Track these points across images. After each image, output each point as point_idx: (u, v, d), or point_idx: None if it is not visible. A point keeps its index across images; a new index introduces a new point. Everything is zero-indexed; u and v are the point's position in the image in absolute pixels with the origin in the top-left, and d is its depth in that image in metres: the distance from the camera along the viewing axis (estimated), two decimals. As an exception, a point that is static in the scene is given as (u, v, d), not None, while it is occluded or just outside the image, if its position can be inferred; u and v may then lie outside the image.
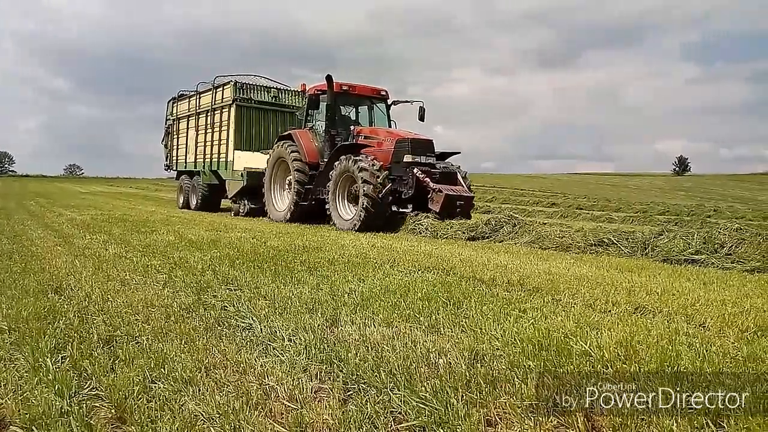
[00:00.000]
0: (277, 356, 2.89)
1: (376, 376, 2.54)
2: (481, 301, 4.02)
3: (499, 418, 2.18)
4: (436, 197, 11.22)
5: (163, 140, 23.38)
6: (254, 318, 3.57)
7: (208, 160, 19.19)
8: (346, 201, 12.15)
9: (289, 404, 2.33)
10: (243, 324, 3.49)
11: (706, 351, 2.86)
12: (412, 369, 2.62)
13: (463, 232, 10.07)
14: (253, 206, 16.27)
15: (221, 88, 18.61)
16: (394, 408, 2.28)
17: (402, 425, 2.17)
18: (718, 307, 4.06)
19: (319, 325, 3.38)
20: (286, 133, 14.55)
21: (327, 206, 12.31)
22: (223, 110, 18.34)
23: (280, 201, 14.43)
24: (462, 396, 2.31)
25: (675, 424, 2.05)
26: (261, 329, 3.34)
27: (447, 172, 12.03)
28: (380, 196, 11.15)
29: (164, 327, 3.38)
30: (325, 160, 12.80)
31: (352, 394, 2.43)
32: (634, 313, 3.88)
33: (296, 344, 3.04)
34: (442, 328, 3.33)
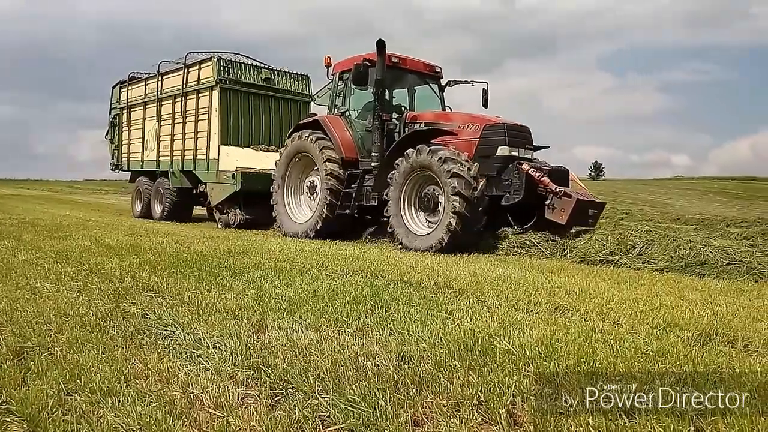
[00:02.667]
0: (202, 364, 2.82)
1: (304, 380, 2.52)
2: (408, 304, 4.07)
3: (426, 418, 2.22)
4: (562, 204, 8.33)
5: (107, 134, 19.63)
6: (177, 325, 3.46)
7: (178, 158, 15.41)
8: (414, 209, 9.13)
9: (214, 412, 2.28)
10: (165, 332, 3.38)
11: (620, 347, 3.02)
12: (340, 372, 2.62)
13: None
14: (248, 216, 13.10)
15: (197, 67, 14.81)
16: (322, 412, 2.27)
17: (330, 429, 2.17)
18: (630, 305, 4.29)
19: (245, 331, 3.32)
20: (308, 119, 11.42)
21: (387, 217, 9.18)
22: (201, 95, 14.63)
23: (297, 210, 11.26)
24: (390, 397, 2.33)
25: (591, 419, 2.14)
26: (184, 336, 3.25)
27: (559, 171, 9.17)
28: (476, 203, 8.23)
29: (80, 337, 3.22)
30: (375, 153, 9.76)
31: (279, 399, 2.41)
32: (554, 312, 4.04)
33: (222, 351, 2.97)
34: (370, 331, 3.34)
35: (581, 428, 2.07)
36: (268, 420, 2.19)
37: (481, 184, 8.28)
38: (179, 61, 15.57)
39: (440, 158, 8.40)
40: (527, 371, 2.63)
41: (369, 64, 9.95)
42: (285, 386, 2.50)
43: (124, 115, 18.21)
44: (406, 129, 9.87)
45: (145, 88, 17.12)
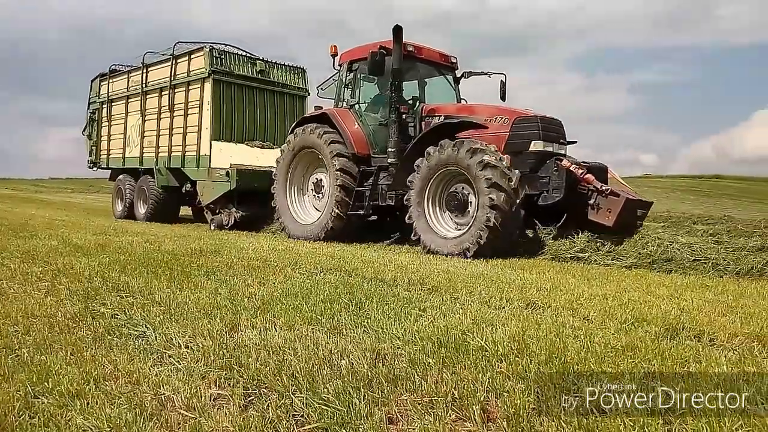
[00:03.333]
0: (173, 364, 2.78)
1: (277, 380, 2.51)
2: (382, 302, 4.08)
3: (401, 415, 2.23)
4: (608, 204, 7.57)
5: (85, 130, 18.55)
6: (148, 325, 3.41)
7: (165, 154, 14.50)
8: (439, 210, 8.38)
9: (186, 413, 2.25)
10: (135, 332, 3.33)
11: (590, 342, 3.07)
12: (314, 371, 2.61)
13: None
14: (244, 213, 12.38)
15: (186, 58, 13.98)
16: (296, 411, 2.26)
17: (304, 428, 2.16)
18: (600, 301, 4.36)
19: (217, 331, 3.28)
20: (314, 113, 10.68)
21: (410, 219, 8.39)
22: (192, 87, 13.78)
23: (302, 210, 10.53)
24: (364, 395, 2.34)
25: (562, 412, 2.18)
26: (155, 337, 3.20)
27: (598, 168, 8.48)
28: (513, 196, 7.54)
29: (47, 338, 3.15)
30: (391, 149, 8.98)
31: (253, 399, 2.39)
32: (525, 308, 4.08)
33: (194, 351, 2.94)
34: (344, 330, 3.34)
35: (553, 423, 2.09)
36: (241, 420, 2.17)
37: (516, 175, 7.57)
38: (166, 53, 14.68)
39: (469, 150, 7.69)
40: (500, 368, 2.66)
41: (385, 52, 9.13)
42: (258, 386, 2.49)
43: (105, 110, 17.28)
44: (423, 123, 9.27)
45: (128, 81, 16.19)
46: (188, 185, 14.17)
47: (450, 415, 2.21)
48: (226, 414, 2.24)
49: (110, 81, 17.07)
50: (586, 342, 3.07)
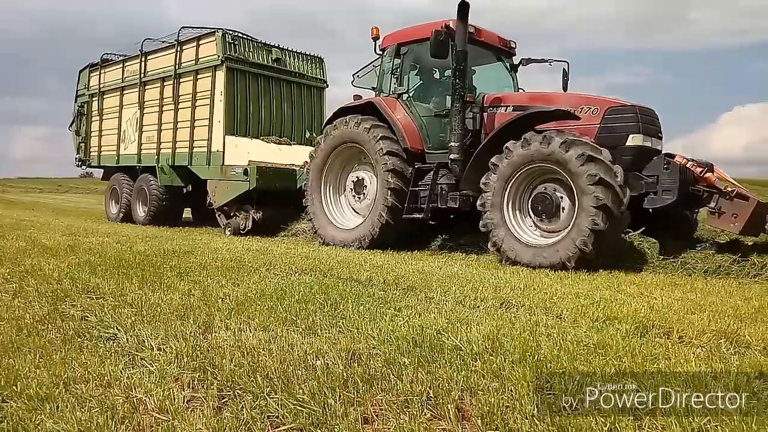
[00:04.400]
0: (146, 366, 2.75)
1: (252, 381, 2.49)
2: (358, 302, 4.07)
3: (376, 415, 2.23)
4: (734, 208, 6.45)
5: (72, 125, 16.96)
6: (119, 327, 3.36)
7: (168, 151, 13.24)
8: (519, 213, 7.25)
9: (159, 416, 2.22)
10: (107, 334, 3.27)
11: (563, 340, 3.11)
12: (289, 372, 2.60)
13: None
14: (264, 216, 11.13)
15: (194, 44, 12.69)
16: (271, 412, 2.25)
17: (279, 429, 2.15)
18: (572, 299, 4.43)
19: (191, 332, 3.25)
20: (355, 103, 9.40)
21: (486, 225, 7.27)
22: (201, 76, 12.50)
23: (339, 214, 9.34)
24: (340, 396, 2.34)
25: (535, 410, 2.20)
26: (127, 339, 3.16)
27: (705, 166, 7.25)
28: (622, 204, 6.48)
29: (15, 341, 3.08)
30: (454, 143, 7.88)
31: (227, 401, 2.37)
32: (500, 307, 4.12)
33: (166, 353, 2.90)
34: (319, 330, 3.33)
35: (526, 421, 2.12)
36: (215, 422, 2.15)
37: (620, 171, 6.54)
38: (165, 39, 13.55)
39: (565, 143, 6.59)
40: (475, 366, 2.68)
41: (446, 34, 8.01)
42: (233, 387, 2.47)
43: (95, 103, 15.83)
44: (485, 114, 8.18)
45: (123, 70, 14.83)
46: (188, 186, 13.39)
47: (425, 414, 2.22)
48: (199, 416, 2.22)
49: (102, 71, 15.66)
50: (559, 340, 3.11)
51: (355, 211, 9.25)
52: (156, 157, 13.54)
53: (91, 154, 16.14)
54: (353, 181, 9.17)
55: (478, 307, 4.11)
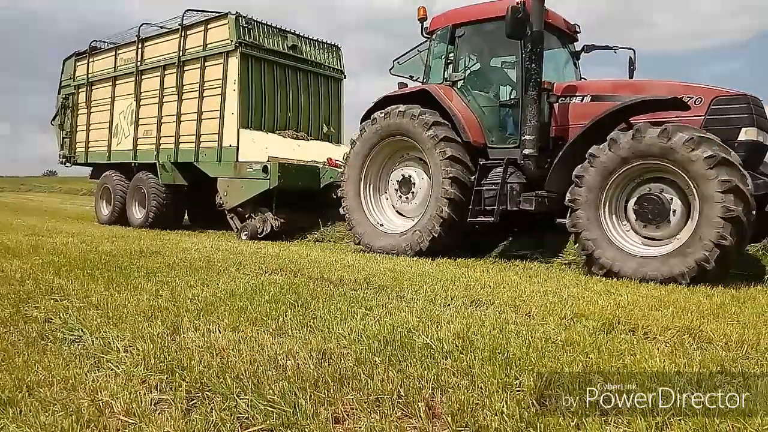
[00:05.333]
0: (112, 369, 2.70)
1: (221, 382, 2.47)
2: (328, 301, 4.06)
3: (347, 415, 2.23)
4: None
5: (55, 119, 15.70)
6: (84, 329, 3.29)
7: (170, 146, 12.18)
8: (615, 218, 6.29)
9: (126, 419, 2.19)
10: (71, 336, 3.21)
11: (531, 337, 3.15)
12: (259, 373, 2.58)
13: None
14: (283, 220, 10.20)
15: (202, 28, 11.66)
16: (241, 413, 2.23)
17: (249, 430, 2.14)
18: (541, 297, 4.49)
19: (159, 334, 3.20)
20: (403, 91, 8.43)
21: (576, 223, 6.29)
22: (210, 63, 11.49)
23: (381, 216, 8.34)
24: (310, 396, 2.33)
25: (504, 407, 2.23)
26: (92, 341, 3.09)
27: None
28: (751, 216, 5.69)
29: (-25, 345, 3.00)
30: (528, 137, 7.00)
31: (196, 402, 2.34)
32: (470, 305, 4.15)
33: (133, 355, 2.86)
34: (290, 330, 3.31)
35: (496, 418, 2.14)
36: (183, 424, 2.13)
37: (748, 176, 5.74)
38: (163, 24, 12.61)
39: (691, 140, 5.67)
40: (445, 364, 2.69)
41: (520, 12, 7.07)
42: (201, 389, 2.44)
43: (82, 95, 14.62)
44: (557, 105, 7.30)
45: (116, 59, 13.68)
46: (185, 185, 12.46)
47: (396, 413, 2.22)
48: (167, 418, 2.19)
49: (90, 60, 14.42)
50: (527, 338, 3.15)
51: (400, 214, 8.29)
52: (155, 152, 12.48)
53: (78, 150, 14.94)
54: (397, 181, 8.18)
55: (449, 305, 4.14)
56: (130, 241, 8.23)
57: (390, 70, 9.14)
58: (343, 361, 2.76)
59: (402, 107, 7.84)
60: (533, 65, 7.03)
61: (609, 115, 6.51)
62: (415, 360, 2.75)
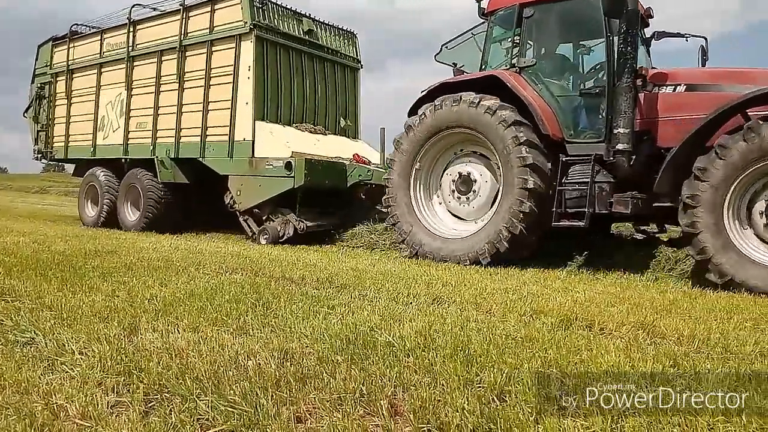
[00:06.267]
0: (66, 372, 2.62)
1: (181, 383, 2.43)
2: (290, 300, 4.04)
3: (309, 414, 2.22)
4: None
5: (28, 110, 14.43)
6: (37, 331, 3.19)
7: (169, 140, 11.08)
8: (738, 224, 5.65)
9: (81, 423, 2.13)
10: (23, 339, 3.10)
11: (492, 334, 3.20)
12: (219, 373, 2.55)
13: None
14: (309, 223, 9.22)
15: (208, 8, 10.58)
16: (201, 415, 2.20)
17: (210, 431, 2.11)
18: (501, 294, 4.55)
19: (115, 335, 3.13)
20: (466, 76, 7.57)
21: (693, 222, 5.60)
22: (218, 47, 10.41)
23: (433, 218, 7.50)
24: (272, 396, 2.31)
25: (465, 403, 2.25)
26: (46, 343, 3.00)
27: None
28: None
29: None
30: (622, 129, 6.28)
31: (154, 405, 2.30)
32: (432, 303, 4.19)
33: (89, 357, 2.78)
34: (251, 330, 3.28)
35: (457, 414, 2.16)
36: (141, 427, 2.09)
37: None
38: (156, 6, 11.54)
39: None
40: (407, 362, 2.71)
41: None
42: (160, 391, 2.40)
43: (61, 84, 13.43)
44: (644, 93, 6.54)
45: (102, 44, 12.47)
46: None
47: (358, 411, 2.23)
48: (125, 421, 2.14)
49: (71, 46, 13.20)
50: (488, 334, 3.20)
51: (456, 216, 7.44)
52: (151, 147, 11.36)
53: (55, 144, 13.71)
54: (453, 179, 7.29)
55: (411, 303, 4.17)
56: (85, 240, 8.02)
57: (435, 56, 8.35)
58: (305, 360, 2.75)
59: (472, 96, 6.90)
60: (628, 48, 6.35)
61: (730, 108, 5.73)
62: (377, 358, 2.75)
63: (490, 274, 5.96)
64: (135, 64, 11.89)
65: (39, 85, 14.16)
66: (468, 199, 7.25)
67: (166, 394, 2.36)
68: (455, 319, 3.58)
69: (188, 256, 6.50)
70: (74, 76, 13.28)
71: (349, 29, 12.31)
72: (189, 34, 10.90)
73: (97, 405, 2.25)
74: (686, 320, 3.79)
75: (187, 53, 10.94)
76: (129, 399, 2.33)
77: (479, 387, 2.42)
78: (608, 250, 7.34)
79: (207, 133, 10.57)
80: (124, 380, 2.51)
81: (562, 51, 7.78)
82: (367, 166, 9.77)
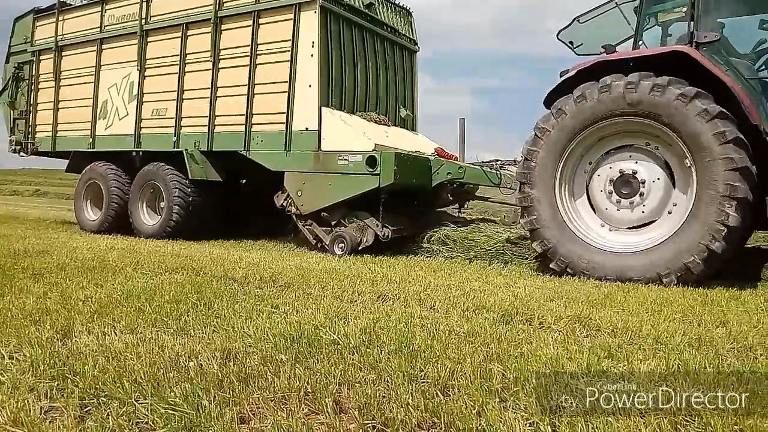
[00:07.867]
0: (-5, 378, 2.50)
1: (118, 387, 2.35)
2: (233, 300, 3.98)
3: (253, 414, 2.20)
4: None
5: (2, 95, 12.37)
6: (-38, 336, 3.03)
7: (199, 129, 9.22)
8: None
9: (13, 429, 2.04)
10: (-54, 344, 2.94)
11: (436, 330, 3.25)
12: (159, 375, 2.48)
13: None
14: (393, 228, 7.64)
15: None
16: (140, 418, 2.14)
17: (150, 435, 2.06)
18: (445, 291, 4.62)
19: (48, 338, 3.00)
20: (634, 54, 6.03)
21: None
22: (267, 18, 8.60)
23: (582, 224, 6.07)
24: (214, 396, 2.27)
25: (410, 398, 2.28)
26: (-28, 348, 2.85)
27: None
28: None
29: None
30: None
31: (90, 409, 2.22)
32: (376, 301, 4.21)
33: (20, 361, 2.66)
34: (192, 330, 3.22)
35: (402, 409, 2.18)
36: (77, 432, 2.01)
37: None
38: None
39: None
40: (352, 360, 2.72)
41: None
42: (96, 395, 2.32)
43: (46, 63, 11.44)
44: None
45: (103, 15, 10.54)
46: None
47: (303, 410, 2.22)
48: (59, 427, 2.06)
49: (60, 18, 11.22)
50: (432, 330, 3.24)
51: (610, 224, 6.04)
52: (174, 139, 9.49)
53: (40, 134, 11.66)
54: (612, 178, 5.95)
55: (356, 301, 4.18)
56: (13, 240, 7.65)
57: (557, 35, 7.08)
58: (248, 360, 2.71)
59: (658, 79, 5.53)
60: None
61: None
62: (322, 356, 2.75)
63: (434, 271, 6.04)
64: (150, 39, 9.96)
65: (16, 64, 12.16)
66: (632, 203, 5.88)
67: (102, 398, 2.29)
68: (399, 315, 3.62)
69: (125, 255, 6.30)
70: (65, 53, 11.27)
71: (405, 7, 10.65)
72: (225, 4, 9.10)
73: (30, 411, 2.15)
74: (620, 313, 3.95)
75: (224, 26, 9.06)
76: (63, 404, 2.25)
77: (423, 382, 2.45)
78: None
79: (252, 121, 8.75)
80: (58, 385, 2.41)
81: (749, 24, 6.37)
82: (459, 163, 8.47)
